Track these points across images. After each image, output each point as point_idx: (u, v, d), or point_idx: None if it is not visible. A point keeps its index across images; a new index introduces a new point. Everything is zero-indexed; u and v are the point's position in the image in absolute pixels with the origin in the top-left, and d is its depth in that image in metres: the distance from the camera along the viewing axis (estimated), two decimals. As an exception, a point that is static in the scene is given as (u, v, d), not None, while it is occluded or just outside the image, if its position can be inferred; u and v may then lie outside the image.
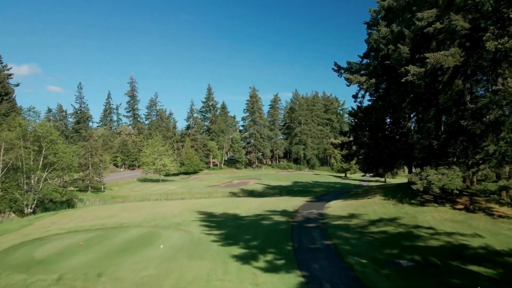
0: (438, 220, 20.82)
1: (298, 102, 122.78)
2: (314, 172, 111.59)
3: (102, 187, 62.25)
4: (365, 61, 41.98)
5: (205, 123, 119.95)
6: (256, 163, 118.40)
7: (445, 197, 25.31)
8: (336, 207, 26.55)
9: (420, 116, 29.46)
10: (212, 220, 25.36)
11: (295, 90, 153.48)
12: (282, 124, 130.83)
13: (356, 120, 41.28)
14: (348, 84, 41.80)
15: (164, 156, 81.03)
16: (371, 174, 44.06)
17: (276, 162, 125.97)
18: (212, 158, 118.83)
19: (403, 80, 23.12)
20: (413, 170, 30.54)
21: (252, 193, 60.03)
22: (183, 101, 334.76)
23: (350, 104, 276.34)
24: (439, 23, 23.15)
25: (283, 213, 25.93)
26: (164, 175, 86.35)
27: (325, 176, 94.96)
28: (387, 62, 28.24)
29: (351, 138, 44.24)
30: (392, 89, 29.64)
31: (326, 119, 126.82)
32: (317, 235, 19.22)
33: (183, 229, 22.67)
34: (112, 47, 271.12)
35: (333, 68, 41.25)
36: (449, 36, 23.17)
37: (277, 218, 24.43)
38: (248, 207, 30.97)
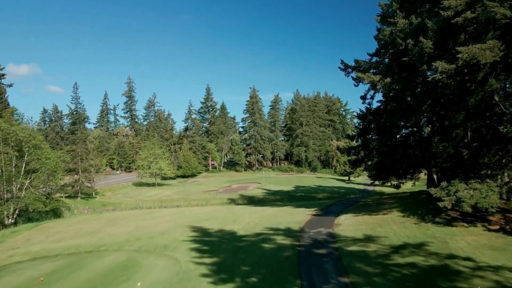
0: (474, 246, 17.36)
1: (299, 103, 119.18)
2: (316, 175, 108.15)
3: (94, 193, 58.78)
4: (374, 59, 38.75)
5: (204, 124, 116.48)
6: (257, 165, 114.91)
7: (475, 214, 21.86)
8: (347, 225, 23.07)
9: (440, 120, 25.97)
10: (205, 241, 21.91)
11: (296, 90, 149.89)
12: (283, 125, 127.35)
13: (364, 123, 37.83)
14: (356, 84, 38.38)
15: (160, 159, 77.56)
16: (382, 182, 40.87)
17: (277, 165, 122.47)
18: (211, 161, 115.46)
19: (429, 79, 19.63)
20: (435, 180, 26.97)
21: (252, 200, 56.60)
22: (182, 102, 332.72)
23: (353, 105, 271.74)
24: (469, 12, 19.74)
25: (287, 232, 22.45)
26: (161, 179, 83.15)
27: (328, 179, 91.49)
28: (404, 59, 24.80)
29: (359, 143, 40.88)
30: (410, 89, 26.17)
31: (328, 120, 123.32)
32: (330, 267, 15.76)
33: (170, 254, 19.22)
34: (112, 47, 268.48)
35: (339, 67, 37.91)
36: (482, 27, 19.72)
37: (280, 239, 20.97)
38: (247, 222, 27.53)
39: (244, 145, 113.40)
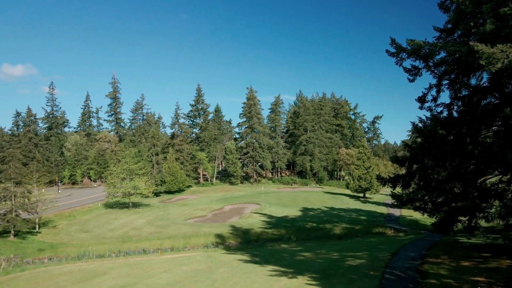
0: None
1: (302, 105, 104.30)
2: (323, 188, 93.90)
3: (37, 226, 44.22)
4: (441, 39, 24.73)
5: (194, 130, 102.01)
6: (255, 176, 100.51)
7: None
8: None
9: None
10: None
11: (299, 91, 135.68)
12: (284, 131, 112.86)
13: (426, 140, 23.41)
14: (411, 78, 24.86)
15: (136, 176, 63.14)
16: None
17: (278, 176, 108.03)
18: (203, 171, 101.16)
19: None
20: None
21: (247, 237, 42.21)
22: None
23: (363, 108, 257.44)
24: None
25: None
26: (141, 197, 68.18)
27: (339, 197, 77.12)
28: None
29: (412, 169, 26.49)
30: None
31: (335, 125, 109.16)
32: None
33: None
34: (108, 47, 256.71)
35: (387, 51, 23.83)
36: None
37: None
38: None
39: (240, 154, 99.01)
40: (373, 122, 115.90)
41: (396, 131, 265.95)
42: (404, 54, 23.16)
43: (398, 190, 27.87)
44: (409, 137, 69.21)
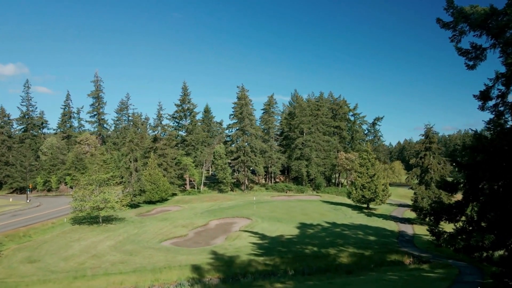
0: None
1: (298, 105, 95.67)
2: (320, 196, 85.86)
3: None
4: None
5: (180, 132, 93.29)
6: (246, 183, 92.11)
7: None
8: None
9: None
10: None
11: (294, 90, 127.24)
12: (278, 133, 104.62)
13: (503, 158, 15.25)
14: (471, 64, 17.13)
15: (107, 186, 54.45)
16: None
17: (271, 182, 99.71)
18: (190, 177, 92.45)
19: None
20: None
21: (231, 268, 33.73)
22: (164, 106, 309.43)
23: (362, 109, 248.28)
24: None
25: None
26: (113, 210, 58.89)
27: (340, 208, 69.05)
28: None
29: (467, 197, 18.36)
30: None
31: (333, 127, 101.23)
32: None
33: None
34: (101, 47, 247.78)
35: (438, 20, 15.80)
36: None
37: None
38: None
39: (231, 159, 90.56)
40: (373, 124, 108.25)
41: (390, 131, 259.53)
42: (465, 25, 15.11)
43: (441, 225, 19.77)
44: (423, 142, 61.37)
